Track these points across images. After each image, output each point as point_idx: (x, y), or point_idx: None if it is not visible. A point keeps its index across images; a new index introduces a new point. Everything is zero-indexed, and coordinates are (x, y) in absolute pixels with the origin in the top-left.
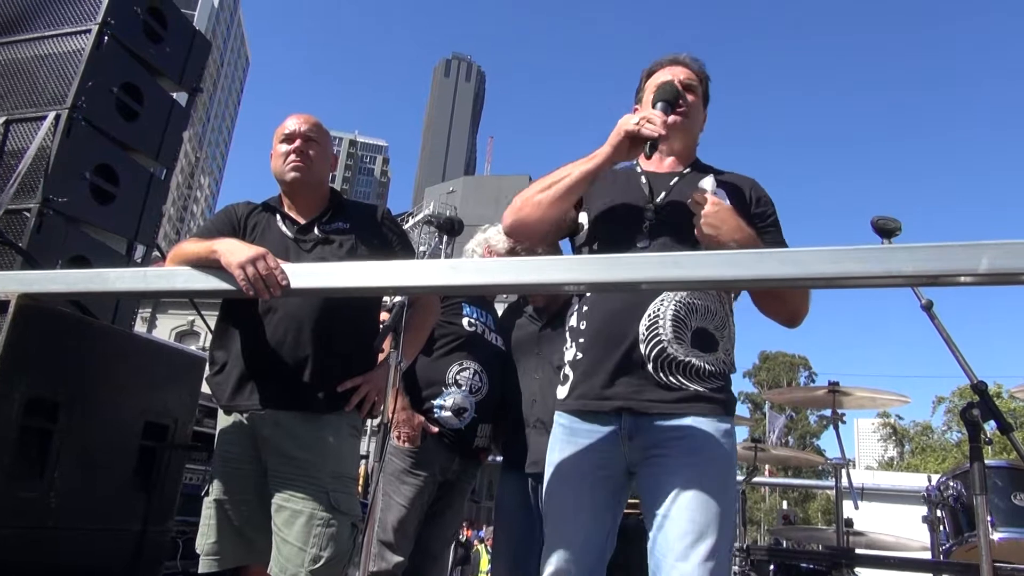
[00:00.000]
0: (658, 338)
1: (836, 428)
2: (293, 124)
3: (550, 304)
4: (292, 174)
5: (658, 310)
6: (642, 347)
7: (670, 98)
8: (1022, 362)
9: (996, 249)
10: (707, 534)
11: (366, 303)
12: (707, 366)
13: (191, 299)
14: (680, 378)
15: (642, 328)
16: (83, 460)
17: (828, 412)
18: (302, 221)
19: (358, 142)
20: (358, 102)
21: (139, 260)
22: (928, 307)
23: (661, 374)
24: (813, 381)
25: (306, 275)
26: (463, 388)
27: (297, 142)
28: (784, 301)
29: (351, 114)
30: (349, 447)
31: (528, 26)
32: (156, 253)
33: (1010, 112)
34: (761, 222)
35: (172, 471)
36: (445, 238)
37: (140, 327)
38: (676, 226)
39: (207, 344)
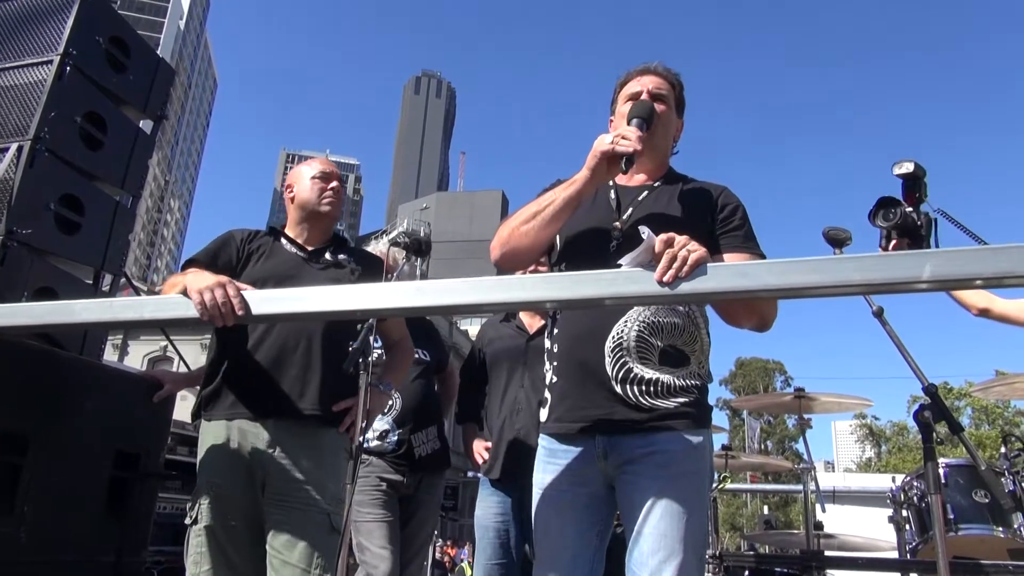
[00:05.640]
0: (623, 359)
1: (803, 434)
2: (328, 166)
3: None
4: (327, 208)
5: (622, 331)
6: (609, 368)
7: (644, 114)
8: (990, 360)
9: (938, 257)
10: (678, 550)
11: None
12: (677, 381)
13: (162, 328)
14: (649, 396)
15: (607, 350)
16: (54, 493)
17: (799, 417)
18: (309, 248)
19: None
20: (328, 121)
21: (107, 289)
22: (879, 314)
23: (630, 394)
24: (789, 385)
25: (271, 301)
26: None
27: (334, 183)
28: (752, 307)
29: (322, 133)
30: (342, 468)
31: (497, 41)
32: (124, 281)
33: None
34: (724, 226)
35: (145, 500)
36: (418, 259)
37: (112, 354)
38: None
39: (179, 370)
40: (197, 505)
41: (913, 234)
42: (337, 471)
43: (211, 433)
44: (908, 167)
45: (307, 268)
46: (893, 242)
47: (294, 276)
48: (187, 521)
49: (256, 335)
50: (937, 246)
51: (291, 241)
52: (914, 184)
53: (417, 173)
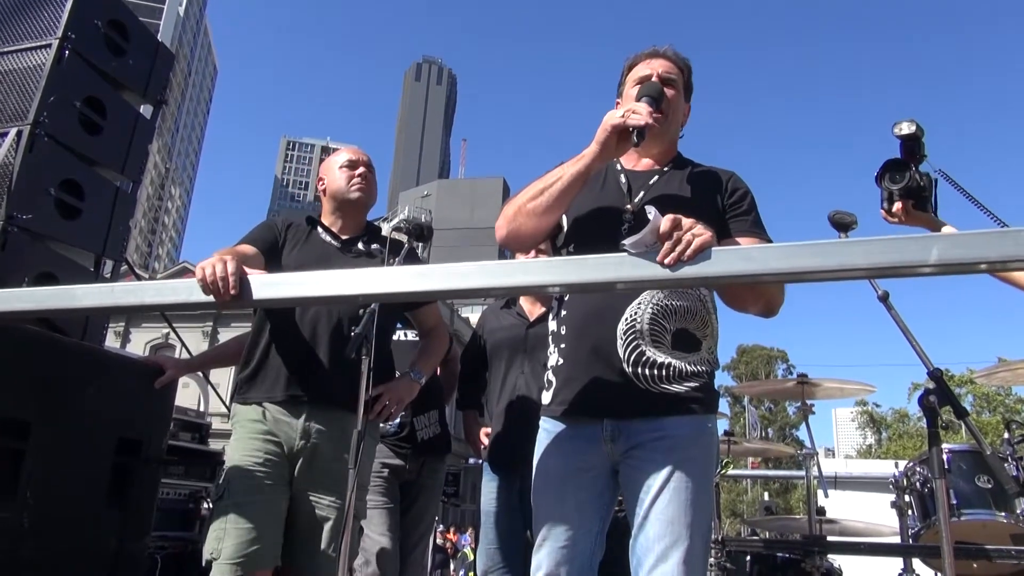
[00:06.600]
0: (637, 341)
1: (806, 419)
2: (355, 154)
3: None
4: (357, 194)
5: (635, 313)
6: (621, 351)
7: (654, 93)
8: (992, 347)
9: (945, 241)
10: (684, 535)
11: (392, 308)
12: (688, 367)
13: (162, 313)
14: (660, 381)
15: (620, 332)
16: (56, 479)
17: (802, 403)
18: (343, 238)
19: (330, 148)
20: (329, 108)
21: (107, 275)
22: (884, 298)
23: (641, 377)
24: (791, 373)
25: (271, 285)
26: None
27: (361, 168)
28: (758, 292)
29: (322, 121)
30: (370, 454)
31: (498, 28)
32: (125, 267)
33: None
34: (732, 210)
35: (147, 486)
36: (420, 244)
37: (113, 341)
38: None
39: (181, 356)
40: (227, 482)
41: (917, 195)
42: (368, 457)
43: (245, 415)
44: (910, 128)
45: (341, 257)
46: (897, 204)
47: (328, 264)
48: (212, 497)
49: (292, 321)
50: (937, 206)
51: (326, 230)
52: (915, 145)
53: (418, 160)
